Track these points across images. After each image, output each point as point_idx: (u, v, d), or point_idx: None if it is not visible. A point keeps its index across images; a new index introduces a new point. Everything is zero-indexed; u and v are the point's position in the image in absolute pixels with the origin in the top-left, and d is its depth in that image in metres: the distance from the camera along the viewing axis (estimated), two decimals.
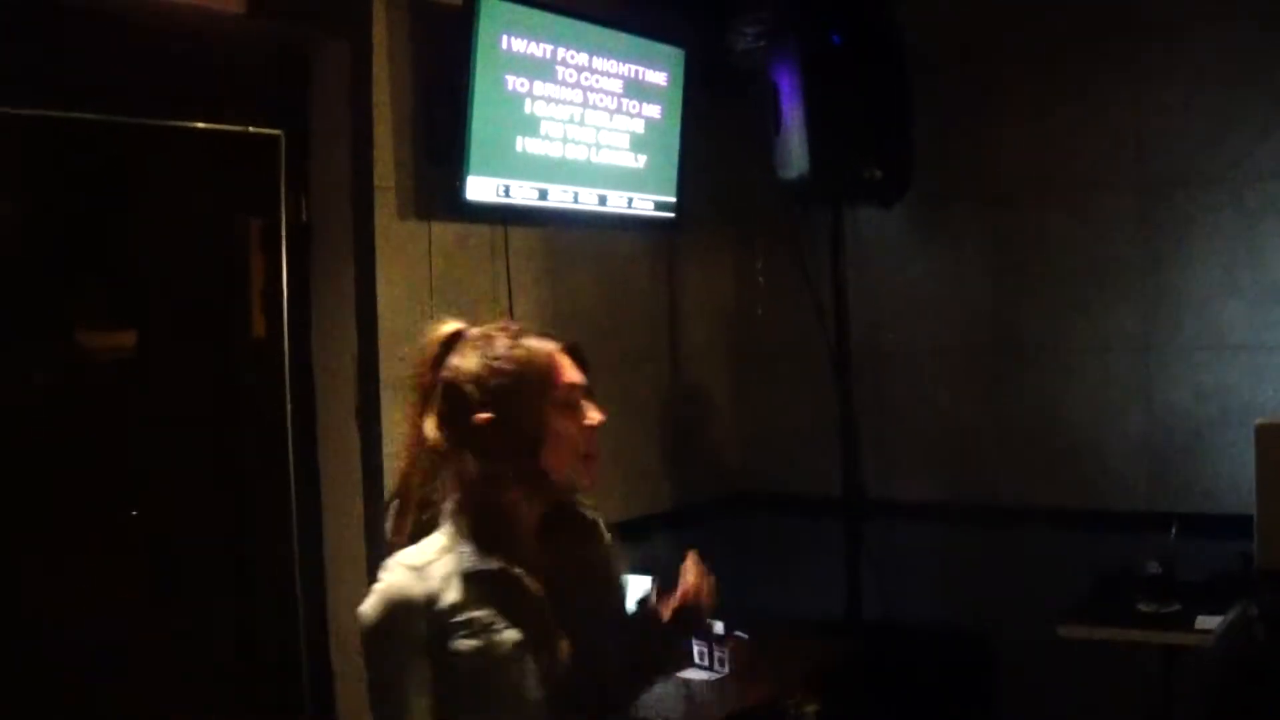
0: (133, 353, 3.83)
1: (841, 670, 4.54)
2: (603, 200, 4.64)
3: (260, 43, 3.94)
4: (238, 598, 3.99)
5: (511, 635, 2.19)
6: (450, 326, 2.34)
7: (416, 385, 2.32)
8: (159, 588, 3.79)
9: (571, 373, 2.32)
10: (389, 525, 2.33)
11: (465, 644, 2.17)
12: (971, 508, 5.14)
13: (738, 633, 4.45)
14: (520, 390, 2.25)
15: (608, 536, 2.47)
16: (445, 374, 2.28)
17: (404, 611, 2.17)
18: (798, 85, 4.58)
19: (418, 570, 2.19)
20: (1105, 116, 4.85)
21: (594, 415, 2.32)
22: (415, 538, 2.27)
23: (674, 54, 4.87)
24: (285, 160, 4.01)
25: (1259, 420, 4.16)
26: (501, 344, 2.28)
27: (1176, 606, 4.08)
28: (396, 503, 2.33)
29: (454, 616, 2.17)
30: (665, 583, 2.51)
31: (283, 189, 4.00)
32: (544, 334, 2.34)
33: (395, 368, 4.05)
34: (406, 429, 2.32)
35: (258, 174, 3.98)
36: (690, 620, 2.38)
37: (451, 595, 2.18)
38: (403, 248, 4.12)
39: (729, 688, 4.23)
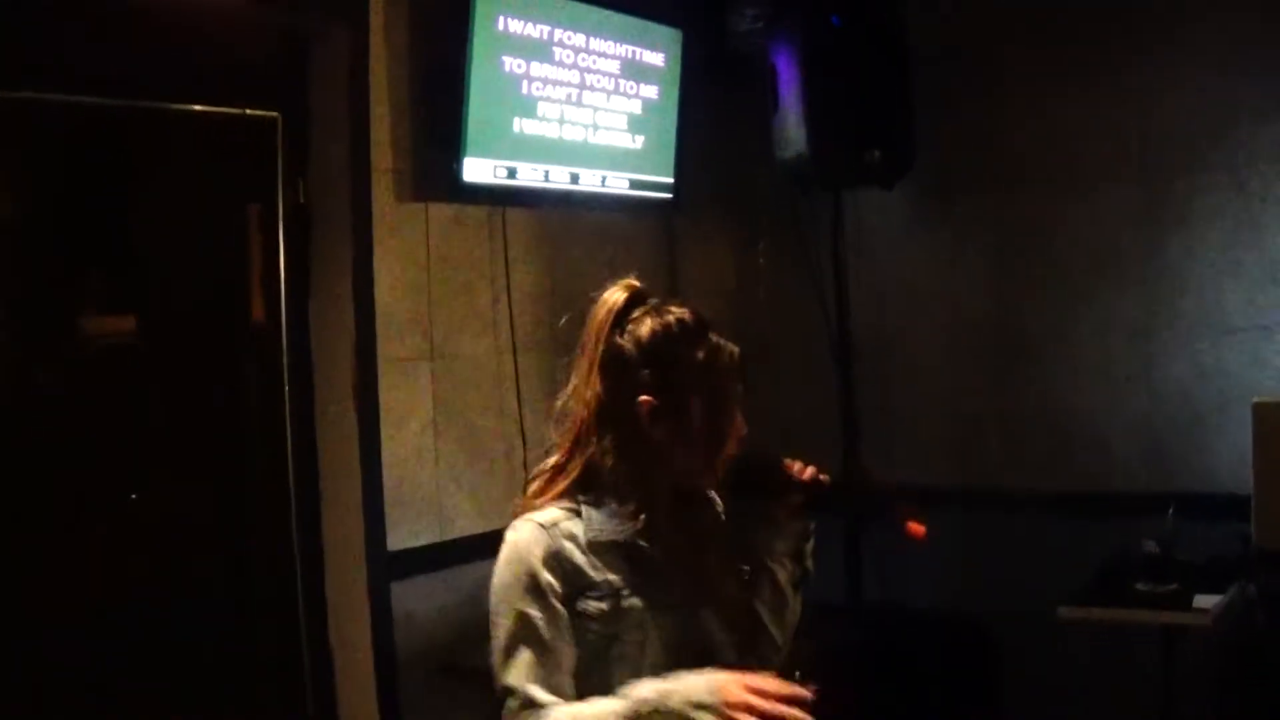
0: (132, 337, 3.83)
1: (842, 654, 4.55)
2: (600, 181, 4.63)
3: (258, 25, 3.93)
4: (236, 581, 4.00)
5: (636, 602, 2.22)
6: (626, 291, 2.35)
7: (591, 345, 2.31)
8: (157, 572, 3.79)
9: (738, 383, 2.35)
10: (536, 484, 2.32)
11: (594, 605, 2.20)
12: (972, 492, 5.13)
13: None
14: (698, 388, 2.27)
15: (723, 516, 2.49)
16: (620, 341, 2.29)
17: (533, 566, 2.19)
18: (796, 66, 4.57)
19: (546, 529, 2.23)
20: (1107, 102, 4.83)
21: (741, 428, 2.34)
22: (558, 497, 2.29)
23: (672, 35, 4.86)
24: (283, 143, 4.00)
25: (1256, 398, 4.16)
26: (688, 332, 2.29)
27: (1174, 586, 4.08)
28: (554, 462, 2.32)
29: (584, 577, 2.20)
30: None
31: (280, 172, 4.00)
32: (723, 331, 2.35)
33: (393, 350, 4.06)
34: (575, 388, 2.32)
35: (256, 157, 3.98)
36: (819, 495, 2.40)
37: (580, 557, 2.22)
38: (400, 230, 4.12)
39: None
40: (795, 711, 2.07)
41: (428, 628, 4.07)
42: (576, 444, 2.30)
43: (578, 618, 2.19)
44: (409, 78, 4.15)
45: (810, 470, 2.40)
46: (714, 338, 2.32)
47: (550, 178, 4.42)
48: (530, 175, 4.34)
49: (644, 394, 2.24)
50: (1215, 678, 4.35)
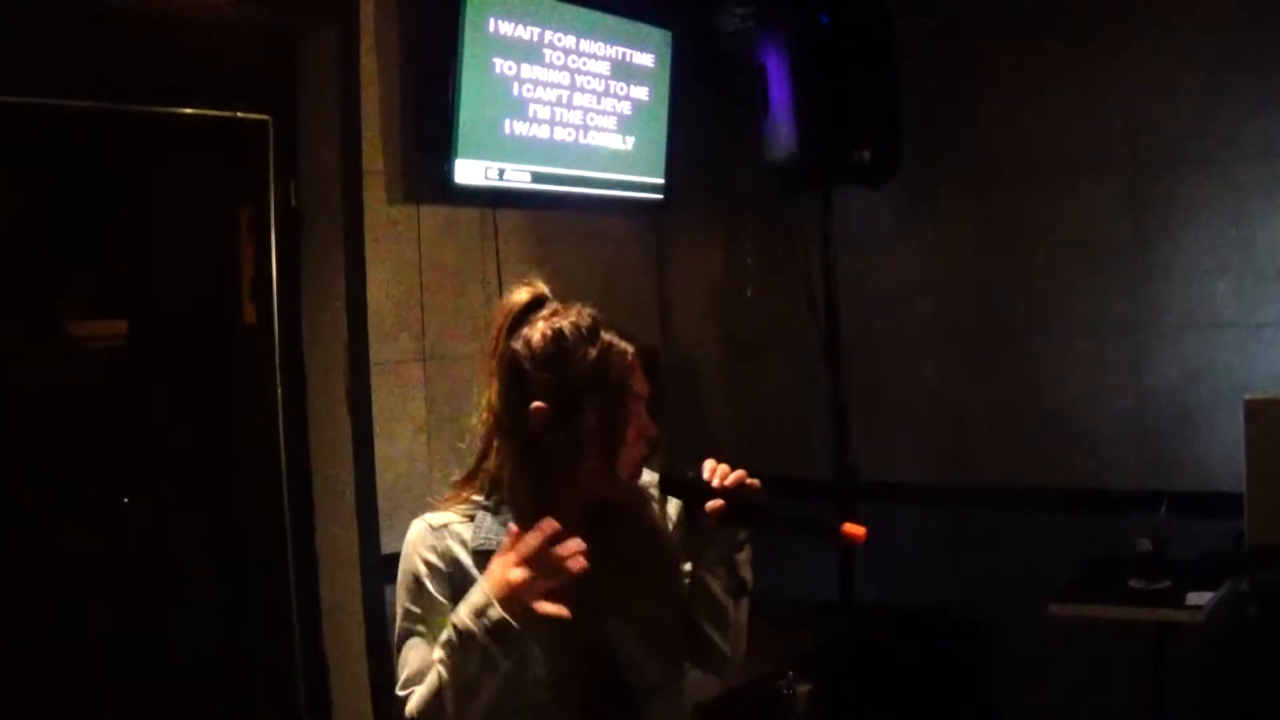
0: (123, 341, 3.83)
1: (834, 652, 4.56)
2: (591, 182, 4.63)
3: (248, 27, 3.92)
4: (229, 586, 3.99)
5: None
6: (527, 293, 2.31)
7: (490, 349, 2.29)
8: (150, 577, 3.78)
9: (639, 382, 2.27)
10: (452, 491, 2.34)
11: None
12: (963, 489, 5.15)
13: None
14: (589, 392, 2.21)
15: (658, 510, 2.42)
16: (514, 345, 2.25)
17: (416, 565, 2.22)
18: (785, 67, 4.58)
19: (435, 530, 2.25)
20: (1094, 97, 4.85)
21: (648, 428, 2.27)
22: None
23: (661, 36, 4.86)
24: (274, 145, 3.99)
25: (1248, 395, 4.17)
26: (580, 335, 2.23)
27: (1167, 583, 4.09)
28: (465, 475, 2.33)
29: (466, 582, 2.19)
30: None
31: (271, 175, 3.98)
32: (624, 332, 2.28)
33: (386, 352, 4.05)
34: (481, 394, 2.31)
35: (246, 160, 3.97)
36: (741, 504, 2.28)
37: (466, 561, 2.22)
38: (392, 232, 4.11)
39: None
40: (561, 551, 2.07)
41: None
42: (483, 452, 2.30)
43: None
44: (399, 80, 4.13)
45: (735, 475, 2.29)
46: (607, 338, 2.24)
47: (541, 179, 4.42)
48: (521, 177, 4.33)
49: (536, 400, 2.21)
50: (1207, 674, 4.36)
